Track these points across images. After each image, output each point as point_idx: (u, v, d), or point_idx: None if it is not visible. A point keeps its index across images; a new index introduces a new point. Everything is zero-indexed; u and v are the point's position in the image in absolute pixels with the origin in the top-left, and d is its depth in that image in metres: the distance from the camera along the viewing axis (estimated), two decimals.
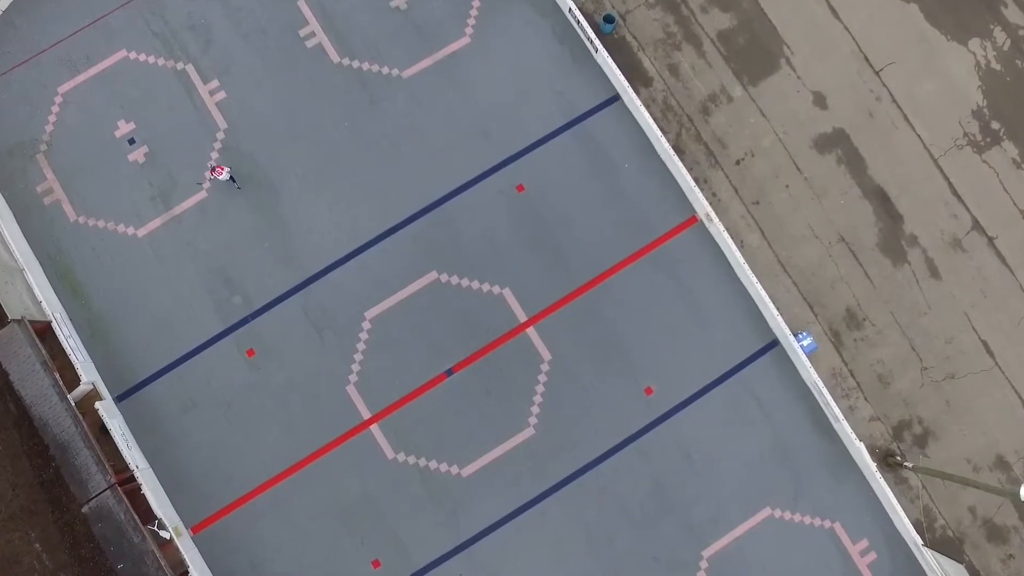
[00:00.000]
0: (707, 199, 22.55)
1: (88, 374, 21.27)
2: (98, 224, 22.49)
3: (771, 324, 22.30)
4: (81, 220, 22.49)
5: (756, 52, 23.88)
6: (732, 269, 22.48)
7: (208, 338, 21.97)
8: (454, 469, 21.53)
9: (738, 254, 22.13)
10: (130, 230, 22.47)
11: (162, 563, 19.50)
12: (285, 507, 21.32)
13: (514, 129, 22.85)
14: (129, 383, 21.84)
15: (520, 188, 22.66)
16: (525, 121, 22.91)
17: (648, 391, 21.98)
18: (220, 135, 22.78)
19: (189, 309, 22.08)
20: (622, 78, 22.71)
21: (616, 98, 23.17)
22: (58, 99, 22.79)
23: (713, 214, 22.31)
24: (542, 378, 21.89)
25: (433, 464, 21.55)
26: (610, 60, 22.79)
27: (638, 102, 22.58)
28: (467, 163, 22.67)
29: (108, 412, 21.02)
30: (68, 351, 21.01)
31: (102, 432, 21.08)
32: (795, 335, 22.02)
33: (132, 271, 22.29)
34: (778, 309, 22.07)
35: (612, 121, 23.03)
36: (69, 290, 22.21)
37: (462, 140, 22.77)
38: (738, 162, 23.44)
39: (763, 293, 21.97)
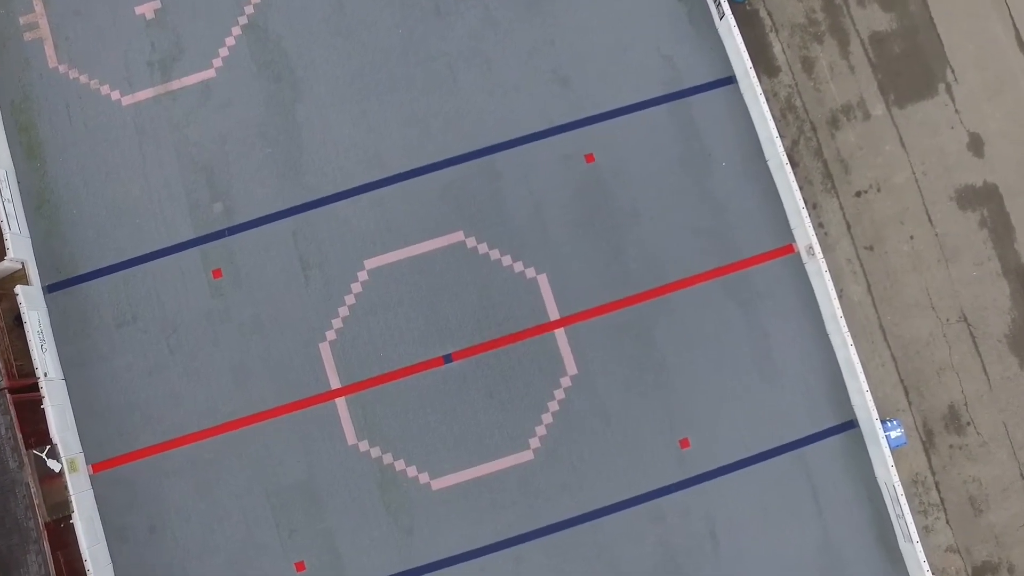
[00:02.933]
0: (812, 228, 17.96)
1: (19, 250, 17.30)
2: (80, 78, 18.49)
3: (854, 399, 17.69)
4: (62, 69, 18.52)
5: (912, 67, 19.27)
6: (822, 320, 17.90)
7: (172, 244, 17.87)
8: (424, 477, 17.22)
9: (836, 304, 17.53)
10: (115, 94, 18.45)
11: (36, 501, 15.44)
12: (209, 471, 17.17)
13: (600, 85, 18.44)
14: (65, 274, 17.83)
15: (590, 158, 18.25)
16: (616, 79, 18.49)
17: (684, 443, 17.49)
18: (249, 8, 18.66)
19: (158, 204, 18.00)
20: (746, 58, 18.19)
21: (731, 80, 18.66)
22: None
23: (817, 248, 17.72)
24: (559, 394, 17.49)
25: (400, 464, 17.25)
26: (736, 33, 18.29)
27: (759, 90, 18.06)
28: (533, 112, 18.30)
29: (30, 301, 17.03)
30: (1, 217, 17.04)
31: (15, 323, 17.12)
32: (882, 422, 17.39)
33: (104, 143, 18.26)
34: (867, 384, 17.45)
35: (720, 106, 18.53)
36: (25, 147, 18.25)
37: (534, 83, 18.41)
38: (859, 194, 18.86)
39: (855, 359, 17.35)
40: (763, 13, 19.24)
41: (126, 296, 17.68)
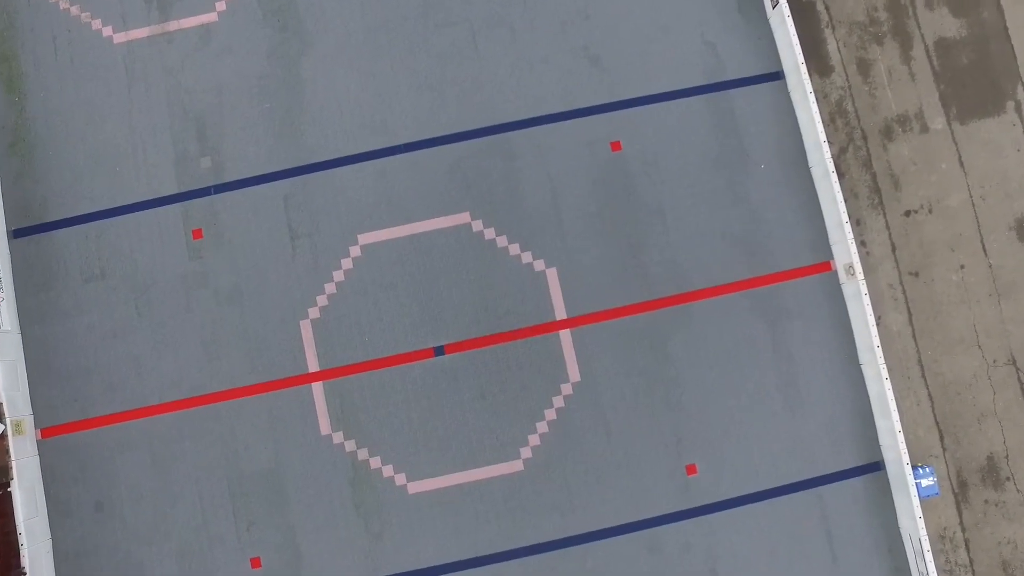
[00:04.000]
0: (855, 246, 16.22)
1: None
2: (71, 9, 17.00)
3: (883, 439, 15.93)
4: None
5: (979, 80, 17.50)
6: (855, 349, 16.16)
7: (152, 197, 16.35)
8: (400, 478, 15.61)
9: (873, 332, 15.78)
10: (107, 30, 16.94)
11: None
12: (167, 449, 15.63)
13: (634, 67, 16.77)
14: (34, 219, 16.35)
15: (616, 146, 16.58)
16: (652, 63, 16.82)
17: (690, 469, 15.78)
18: None
19: (142, 153, 16.48)
20: (799, 52, 16.47)
21: (779, 76, 16.95)
22: None
23: (858, 268, 15.98)
24: (558, 401, 15.83)
25: (376, 462, 15.64)
26: (790, 24, 16.58)
27: (809, 89, 16.33)
28: (559, 90, 16.66)
29: None
30: None
31: None
32: (913, 467, 15.62)
33: (90, 82, 16.77)
34: (900, 423, 15.68)
35: (764, 103, 16.82)
36: (4, 79, 16.79)
37: (563, 59, 16.77)
38: (909, 213, 17.10)
39: (889, 395, 15.59)
40: (820, 6, 17.53)
41: (96, 250, 16.18)
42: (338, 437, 15.67)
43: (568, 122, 16.53)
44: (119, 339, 15.92)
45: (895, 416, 15.60)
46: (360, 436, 15.66)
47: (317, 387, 15.76)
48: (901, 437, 15.52)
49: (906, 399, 16.24)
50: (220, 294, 16.01)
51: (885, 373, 15.71)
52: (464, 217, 16.21)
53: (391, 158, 16.34)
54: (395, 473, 15.60)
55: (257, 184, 16.32)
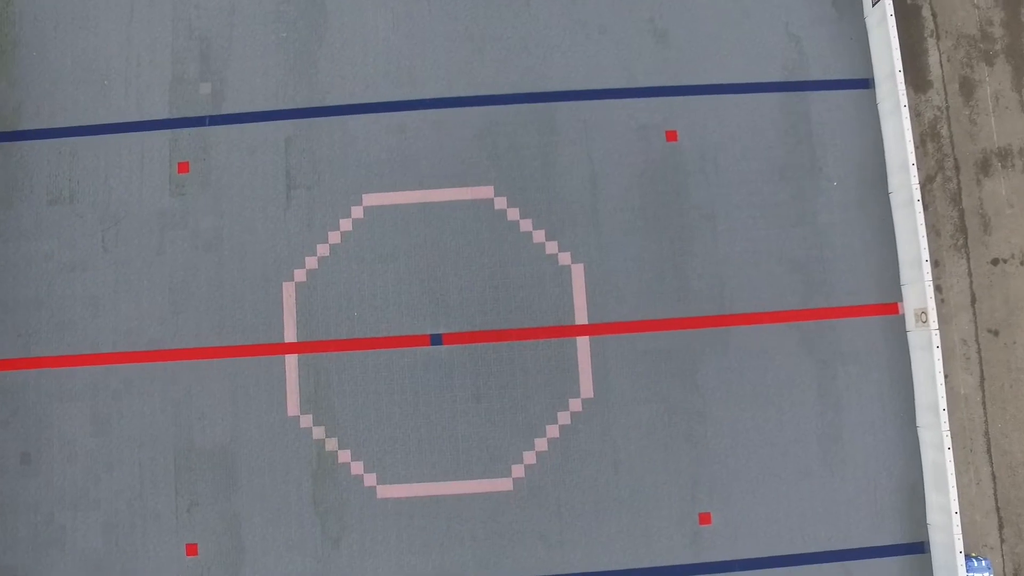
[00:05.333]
0: (931, 290, 13.95)
1: None
2: None
3: (932, 517, 13.64)
4: None
5: None
6: (914, 408, 13.88)
7: (139, 119, 14.38)
8: (370, 479, 13.53)
9: (940, 391, 13.50)
10: None
11: None
12: (112, 405, 13.65)
13: (705, 50, 14.60)
14: (5, 126, 14.44)
15: (672, 136, 14.40)
16: (726, 47, 14.64)
17: (704, 519, 13.57)
18: None
19: (135, 68, 14.52)
20: (897, 59, 14.24)
21: (867, 83, 14.71)
22: None
23: (932, 316, 13.71)
24: (564, 417, 13.67)
25: (344, 456, 13.56)
26: (891, 26, 14.35)
27: (904, 102, 14.08)
28: (616, 63, 14.51)
29: None
30: None
31: None
32: (966, 557, 13.34)
33: None
34: (957, 503, 13.40)
35: (846, 112, 14.59)
36: None
37: (624, 28, 14.62)
38: (996, 262, 14.79)
39: (948, 467, 13.31)
40: (926, 12, 15.26)
41: (68, 169, 14.24)
42: (306, 420, 13.61)
43: (621, 101, 14.38)
44: (78, 273, 13.97)
45: (953, 493, 13.30)
46: (331, 423, 13.59)
47: (291, 360, 13.71)
48: (957, 519, 13.22)
49: (964, 475, 13.95)
50: (198, 238, 14.02)
51: (948, 441, 13.42)
52: (486, 191, 14.09)
53: (413, 113, 14.26)
54: (365, 472, 13.52)
55: (258, 121, 14.31)
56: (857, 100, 14.70)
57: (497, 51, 14.47)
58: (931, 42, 15.25)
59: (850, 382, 13.96)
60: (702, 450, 13.67)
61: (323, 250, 13.93)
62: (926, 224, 14.47)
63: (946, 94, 15.11)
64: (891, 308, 14.27)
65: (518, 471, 13.56)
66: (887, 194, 14.46)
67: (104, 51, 14.58)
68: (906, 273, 14.18)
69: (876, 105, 14.65)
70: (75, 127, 14.32)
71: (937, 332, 13.64)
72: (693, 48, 14.62)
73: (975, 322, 14.57)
